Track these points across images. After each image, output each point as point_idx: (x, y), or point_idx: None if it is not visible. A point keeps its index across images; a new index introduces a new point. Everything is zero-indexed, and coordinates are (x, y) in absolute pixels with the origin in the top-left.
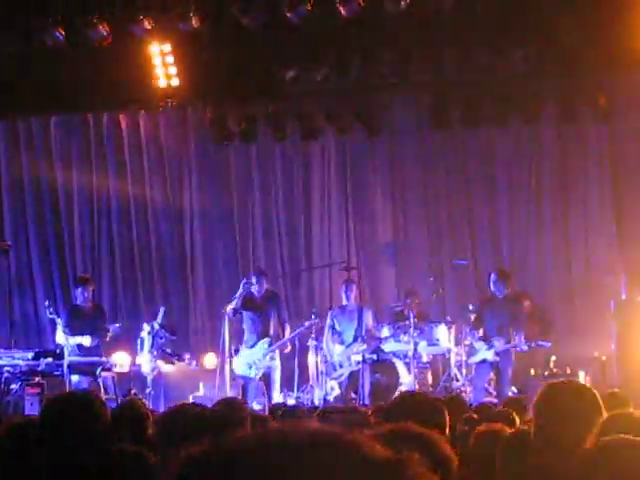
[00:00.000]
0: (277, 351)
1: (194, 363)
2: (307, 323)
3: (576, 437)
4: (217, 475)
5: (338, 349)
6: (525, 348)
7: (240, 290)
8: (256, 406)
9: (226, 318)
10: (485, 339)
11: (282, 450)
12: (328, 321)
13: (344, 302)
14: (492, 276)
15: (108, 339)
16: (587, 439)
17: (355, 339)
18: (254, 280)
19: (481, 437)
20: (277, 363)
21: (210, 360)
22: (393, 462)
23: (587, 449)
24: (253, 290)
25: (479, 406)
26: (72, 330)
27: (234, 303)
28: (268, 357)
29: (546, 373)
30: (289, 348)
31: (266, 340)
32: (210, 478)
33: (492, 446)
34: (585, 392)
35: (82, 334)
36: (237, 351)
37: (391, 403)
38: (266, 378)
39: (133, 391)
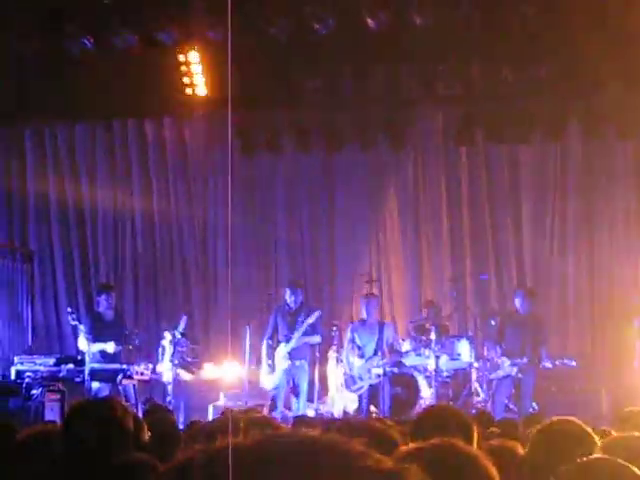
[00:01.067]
0: (305, 360)
1: (216, 372)
2: (318, 312)
3: None
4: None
5: (358, 362)
6: (549, 366)
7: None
8: (277, 415)
9: (248, 330)
10: (508, 354)
11: (281, 456)
12: (348, 335)
13: (364, 316)
14: (519, 292)
15: (131, 348)
16: None
17: (375, 353)
18: (288, 292)
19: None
20: (304, 371)
21: (231, 370)
22: (391, 472)
23: (566, 469)
24: (289, 301)
25: (502, 421)
26: (95, 337)
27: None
28: (295, 364)
29: (567, 390)
30: (317, 338)
31: (283, 344)
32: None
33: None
34: (582, 436)
35: (105, 341)
36: (259, 362)
37: (421, 415)
38: (294, 387)
39: (153, 399)
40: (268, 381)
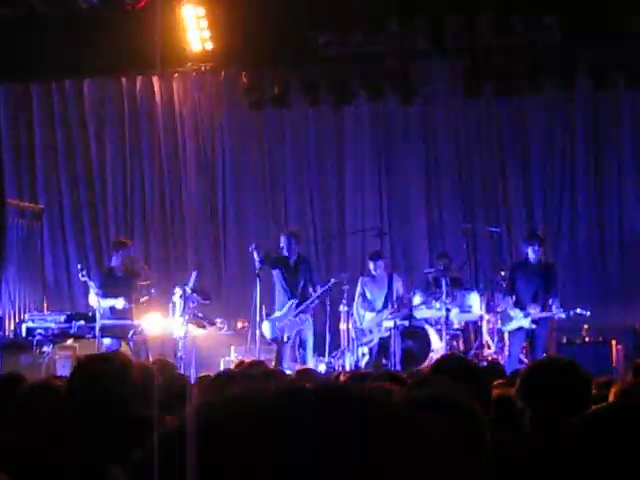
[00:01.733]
0: (309, 314)
1: (225, 327)
2: (333, 280)
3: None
4: (244, 428)
5: (368, 316)
6: (563, 316)
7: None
8: (287, 371)
9: (257, 282)
10: (520, 305)
11: (314, 404)
12: (358, 288)
13: (373, 272)
14: (529, 241)
15: (143, 302)
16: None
17: (385, 306)
18: (284, 241)
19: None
20: (309, 325)
21: (241, 324)
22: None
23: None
24: (285, 254)
25: (513, 374)
26: (105, 293)
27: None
28: (297, 319)
29: (578, 341)
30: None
31: (293, 301)
32: (237, 430)
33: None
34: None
35: (116, 297)
36: (268, 315)
37: (435, 365)
38: (301, 342)
39: (165, 354)
40: (268, 330)
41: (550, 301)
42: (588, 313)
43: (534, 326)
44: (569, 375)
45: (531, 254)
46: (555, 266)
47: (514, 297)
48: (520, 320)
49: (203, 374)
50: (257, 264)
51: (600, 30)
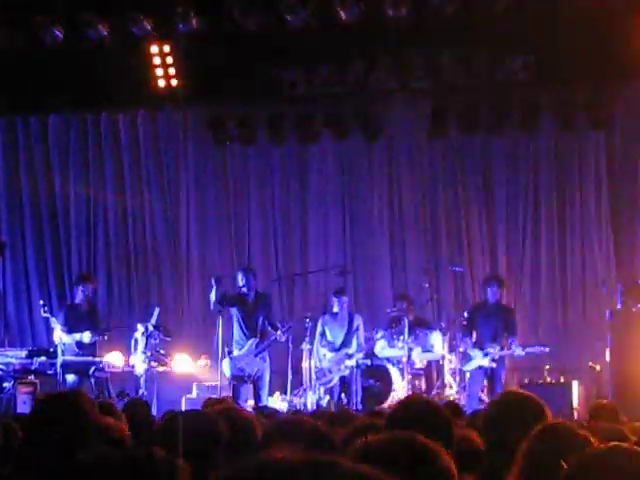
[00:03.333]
0: (266, 353)
1: (188, 364)
2: (290, 324)
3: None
4: None
5: (328, 355)
6: (522, 354)
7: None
8: (247, 408)
9: (220, 321)
10: (479, 345)
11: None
12: (319, 328)
13: (335, 310)
14: (489, 282)
15: (106, 339)
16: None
17: (344, 345)
18: (241, 279)
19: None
20: (267, 364)
21: (203, 362)
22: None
23: (577, 458)
24: (244, 290)
25: (474, 414)
26: (70, 328)
27: (213, 293)
28: (257, 358)
29: (540, 382)
30: (283, 338)
31: (253, 341)
32: None
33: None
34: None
35: (81, 331)
36: (229, 353)
37: (396, 408)
38: (256, 380)
39: (126, 391)
40: (227, 368)
41: (509, 341)
42: (547, 349)
43: (494, 365)
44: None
45: (490, 295)
46: (514, 310)
47: (474, 337)
48: (479, 359)
49: (169, 410)
50: (212, 306)
51: (564, 72)
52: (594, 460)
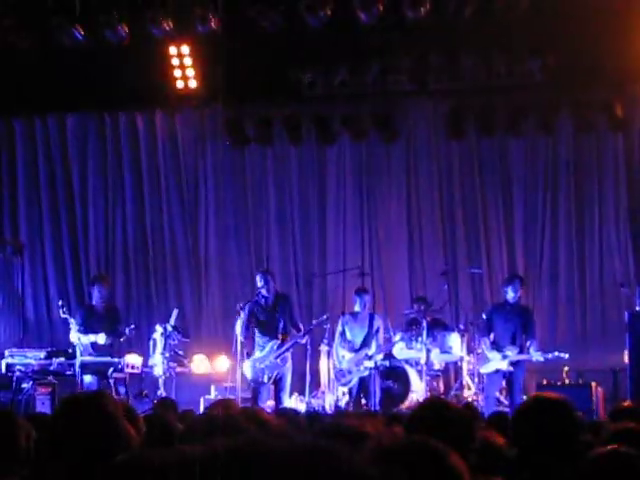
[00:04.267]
0: (289, 354)
1: (207, 365)
2: (315, 322)
3: None
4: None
5: (347, 356)
6: (541, 359)
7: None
8: (267, 409)
9: (239, 321)
10: (497, 347)
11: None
12: (339, 328)
13: (356, 309)
14: (508, 282)
15: (122, 340)
16: None
17: (364, 345)
18: (259, 280)
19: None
20: (289, 366)
21: (222, 363)
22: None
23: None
24: (262, 291)
25: (492, 416)
26: (87, 329)
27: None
28: (278, 360)
29: (559, 383)
30: (304, 340)
31: (275, 342)
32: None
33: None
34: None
35: (97, 333)
36: (249, 355)
37: (416, 410)
38: (277, 382)
39: (145, 392)
40: (249, 371)
41: (528, 343)
42: (567, 356)
43: (511, 368)
44: (563, 414)
45: (510, 294)
46: (532, 310)
47: (491, 337)
48: (498, 362)
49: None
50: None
51: (582, 73)
52: (594, 463)
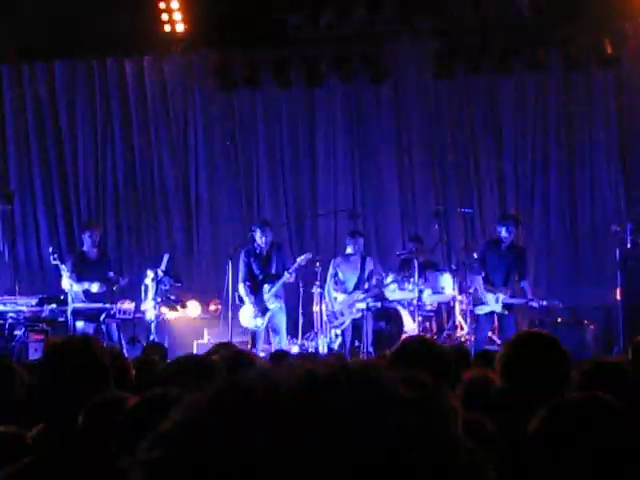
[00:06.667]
0: (282, 299)
1: (199, 310)
2: (298, 259)
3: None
4: (260, 413)
5: (340, 298)
6: (536, 306)
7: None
8: (260, 354)
9: (229, 265)
10: (490, 285)
11: (331, 386)
12: (331, 270)
13: (348, 251)
14: (505, 219)
15: (115, 289)
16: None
17: (357, 287)
18: (258, 232)
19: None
20: (282, 309)
21: (213, 307)
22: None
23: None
24: (260, 242)
25: (479, 353)
26: (79, 276)
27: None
28: (270, 300)
29: (551, 322)
30: (292, 278)
31: (267, 286)
32: (256, 414)
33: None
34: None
35: (89, 281)
36: (242, 300)
37: (397, 348)
38: (274, 326)
39: (137, 338)
40: (249, 320)
41: (521, 284)
42: (560, 305)
43: (506, 312)
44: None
45: (504, 233)
46: (526, 250)
47: (483, 274)
48: (492, 305)
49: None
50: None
51: (572, 10)
52: (570, 409)
